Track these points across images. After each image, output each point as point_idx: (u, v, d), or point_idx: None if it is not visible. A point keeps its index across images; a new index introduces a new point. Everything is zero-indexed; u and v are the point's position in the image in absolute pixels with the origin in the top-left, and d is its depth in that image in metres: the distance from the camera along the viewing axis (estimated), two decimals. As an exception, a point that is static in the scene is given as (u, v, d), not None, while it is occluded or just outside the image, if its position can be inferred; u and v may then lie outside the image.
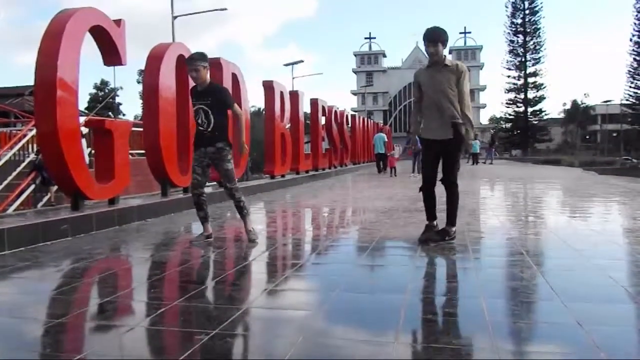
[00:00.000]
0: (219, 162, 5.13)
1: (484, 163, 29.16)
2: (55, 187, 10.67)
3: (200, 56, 5.06)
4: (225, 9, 27.20)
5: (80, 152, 6.34)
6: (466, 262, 4.32)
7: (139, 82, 60.48)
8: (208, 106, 5.02)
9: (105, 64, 7.13)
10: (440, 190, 5.00)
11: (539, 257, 4.44)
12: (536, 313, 2.99)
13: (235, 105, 5.19)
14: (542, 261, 4.32)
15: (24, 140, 12.80)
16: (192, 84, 8.34)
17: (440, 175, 4.89)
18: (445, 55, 4.71)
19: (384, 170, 19.87)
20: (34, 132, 12.03)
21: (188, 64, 5.04)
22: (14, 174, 12.18)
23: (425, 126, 4.88)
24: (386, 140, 20.17)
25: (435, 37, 4.63)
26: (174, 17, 21.90)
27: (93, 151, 9.69)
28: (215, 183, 9.48)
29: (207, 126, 5.04)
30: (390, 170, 18.11)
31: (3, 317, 3.05)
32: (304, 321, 2.85)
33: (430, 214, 5.03)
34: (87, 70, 7.04)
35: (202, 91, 5.07)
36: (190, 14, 26.43)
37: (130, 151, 8.62)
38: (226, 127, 5.18)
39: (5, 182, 11.92)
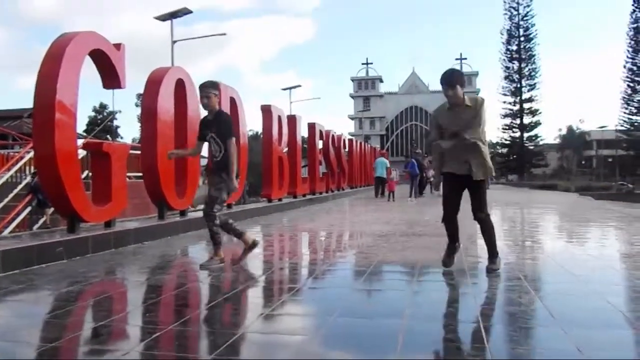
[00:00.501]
0: (210, 186, 5.19)
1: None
2: (51, 210, 10.64)
3: (212, 84, 5.18)
4: (224, 34, 27.47)
5: (77, 175, 6.33)
6: (464, 287, 4.29)
7: (137, 106, 60.75)
8: (216, 134, 5.12)
9: (104, 87, 7.17)
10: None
11: (537, 282, 4.43)
12: (535, 339, 2.97)
13: (232, 140, 5.14)
14: (540, 286, 4.30)
15: (21, 163, 12.79)
16: (191, 107, 8.47)
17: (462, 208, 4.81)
18: (464, 95, 4.61)
19: (381, 195, 19.86)
20: (31, 154, 12.03)
21: (200, 90, 5.16)
22: (11, 195, 12.14)
23: (447, 161, 4.73)
24: (388, 165, 20.21)
25: (452, 80, 4.56)
26: (174, 42, 22.07)
27: (90, 174, 9.69)
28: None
29: (218, 154, 5.12)
30: (389, 195, 18.11)
31: (-4, 340, 3.01)
32: (301, 346, 2.82)
33: (453, 238, 4.83)
34: (86, 93, 7.09)
35: (211, 120, 5.17)
36: (190, 38, 26.64)
37: (128, 174, 8.62)
38: (230, 157, 5.19)
39: (2, 204, 11.88)
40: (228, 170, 5.12)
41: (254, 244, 5.31)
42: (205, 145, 5.37)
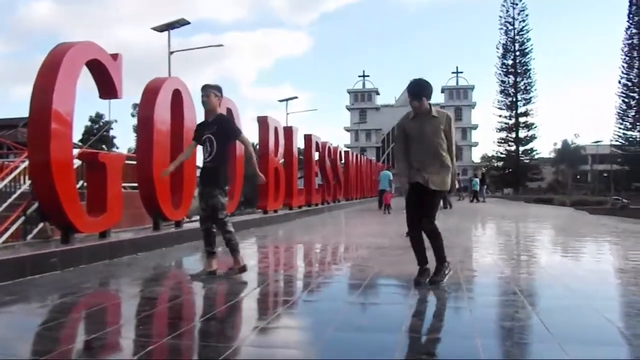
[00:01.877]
0: (209, 197, 5.16)
1: (478, 201, 29.36)
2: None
3: (215, 85, 5.30)
4: (221, 45, 27.60)
5: (72, 185, 6.29)
6: (460, 302, 4.27)
7: (133, 116, 60.70)
8: (213, 134, 5.11)
9: (101, 97, 7.15)
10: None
11: (533, 297, 4.41)
12: (532, 354, 2.95)
13: (243, 134, 5.31)
14: (536, 301, 4.28)
15: (15, 172, 12.71)
16: (188, 118, 8.47)
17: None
18: (430, 106, 4.68)
19: (390, 208, 19.68)
20: (26, 163, 11.98)
21: (202, 89, 5.22)
22: (4, 205, 12.05)
23: (411, 171, 4.76)
24: (391, 178, 20.18)
25: (418, 91, 4.65)
26: (171, 53, 22.13)
27: (85, 184, 9.64)
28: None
29: (208, 155, 5.11)
30: (385, 208, 18.09)
31: (-13, 353, 2.98)
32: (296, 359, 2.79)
33: (421, 258, 4.83)
34: (82, 102, 7.07)
35: (210, 122, 5.22)
36: (187, 49, 26.73)
37: (123, 184, 8.58)
38: (225, 161, 5.23)
39: (-5, 214, 11.79)
40: (218, 177, 5.13)
41: (212, 272, 5.24)
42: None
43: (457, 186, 4.78)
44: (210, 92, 5.19)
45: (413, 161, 4.75)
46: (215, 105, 5.22)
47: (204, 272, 5.22)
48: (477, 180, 30.59)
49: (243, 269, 5.23)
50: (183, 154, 5.98)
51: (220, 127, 5.15)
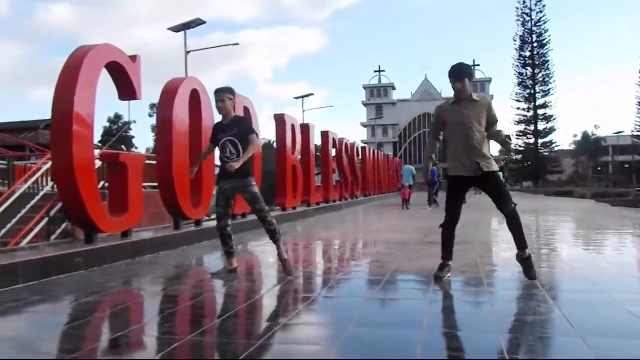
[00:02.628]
0: (245, 187, 5.19)
1: None
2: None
3: (227, 89, 5.30)
4: (237, 44, 27.66)
5: (94, 186, 6.39)
6: (481, 296, 4.26)
7: (151, 116, 61.29)
8: (235, 137, 5.14)
9: (120, 99, 7.25)
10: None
11: (555, 291, 4.39)
12: (555, 349, 2.94)
13: (254, 135, 5.25)
14: (558, 295, 4.26)
15: (38, 174, 12.93)
16: (206, 118, 8.53)
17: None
18: (470, 91, 4.62)
19: (409, 203, 19.59)
20: (48, 165, 12.17)
21: (215, 94, 5.25)
22: (28, 207, 12.27)
23: (453, 163, 4.68)
24: (414, 173, 20.10)
25: (461, 73, 4.57)
26: (187, 52, 22.28)
27: (106, 184, 9.77)
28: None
29: (237, 157, 5.11)
30: (403, 203, 18.04)
31: (16, 351, 3.05)
32: (319, 356, 2.81)
33: (447, 252, 4.79)
34: (101, 103, 7.21)
35: (227, 124, 5.23)
36: (203, 49, 26.86)
37: (143, 184, 8.68)
38: (251, 160, 5.27)
39: (20, 215, 12.01)
40: (248, 170, 5.18)
41: (232, 271, 5.28)
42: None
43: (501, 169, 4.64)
44: (225, 96, 5.21)
45: (454, 150, 4.66)
46: (230, 109, 5.24)
47: (225, 271, 5.27)
48: (500, 173, 30.24)
49: (285, 263, 5.22)
50: (203, 153, 6.03)
51: (239, 129, 5.18)
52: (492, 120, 4.65)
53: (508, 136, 4.63)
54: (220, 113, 5.28)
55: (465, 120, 4.57)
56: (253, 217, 5.54)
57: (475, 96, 4.63)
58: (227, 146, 5.16)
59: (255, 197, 5.21)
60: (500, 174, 4.67)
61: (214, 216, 12.06)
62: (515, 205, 4.66)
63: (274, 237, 5.30)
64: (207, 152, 5.87)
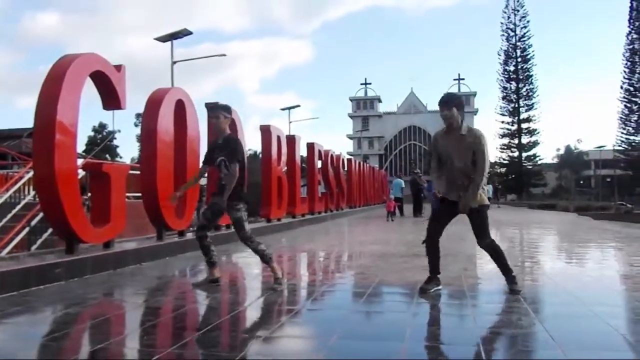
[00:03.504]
0: (231, 210, 5.08)
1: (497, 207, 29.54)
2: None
3: (223, 106, 5.27)
4: (224, 55, 27.61)
5: (76, 196, 6.32)
6: (464, 309, 4.28)
7: (136, 125, 61.04)
8: (227, 156, 5.06)
9: (104, 108, 7.19)
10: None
11: (537, 304, 4.42)
12: (536, 362, 2.96)
13: (236, 165, 5.05)
14: (540, 308, 4.29)
15: (20, 183, 12.77)
16: (191, 128, 8.51)
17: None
18: (462, 121, 4.62)
19: (400, 214, 19.63)
20: (31, 174, 12.03)
21: (210, 110, 5.16)
22: (9, 216, 12.10)
23: (446, 187, 4.74)
24: (403, 185, 20.26)
25: (448, 101, 4.60)
26: (174, 63, 22.22)
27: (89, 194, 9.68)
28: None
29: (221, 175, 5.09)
30: (388, 215, 18.10)
31: (-7, 364, 2.99)
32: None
33: (433, 266, 4.81)
34: (85, 112, 7.15)
35: (221, 143, 5.14)
36: (190, 59, 26.83)
37: (127, 194, 8.61)
38: (243, 178, 5.16)
39: (0, 225, 11.84)
40: (241, 191, 5.11)
41: (214, 281, 5.22)
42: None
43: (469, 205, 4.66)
44: (220, 113, 5.15)
45: (445, 176, 4.74)
46: (225, 127, 5.19)
47: (206, 281, 5.23)
48: (490, 187, 30.66)
49: (277, 281, 5.09)
50: (193, 177, 5.91)
51: (228, 150, 5.07)
52: (477, 156, 4.57)
53: (482, 195, 4.63)
54: (213, 129, 5.15)
55: (452, 155, 4.63)
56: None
57: (464, 129, 4.60)
58: (222, 166, 5.07)
59: (238, 224, 5.07)
60: (486, 204, 4.68)
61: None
62: (492, 240, 4.74)
63: (264, 259, 5.18)
64: (202, 173, 5.75)
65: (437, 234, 4.78)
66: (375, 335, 3.53)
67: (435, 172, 4.87)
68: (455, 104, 4.59)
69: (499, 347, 3.18)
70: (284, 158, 14.08)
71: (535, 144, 62.36)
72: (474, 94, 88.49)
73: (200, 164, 5.57)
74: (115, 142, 57.48)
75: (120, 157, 56.92)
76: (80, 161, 9.87)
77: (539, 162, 64.54)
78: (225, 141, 5.16)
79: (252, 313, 4.36)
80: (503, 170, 65.08)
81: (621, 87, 59.38)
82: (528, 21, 61.87)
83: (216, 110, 5.18)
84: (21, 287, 5.00)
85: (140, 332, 3.67)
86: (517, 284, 4.69)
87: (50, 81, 6.03)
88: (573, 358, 2.83)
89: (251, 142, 77.41)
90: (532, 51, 61.95)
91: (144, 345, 3.34)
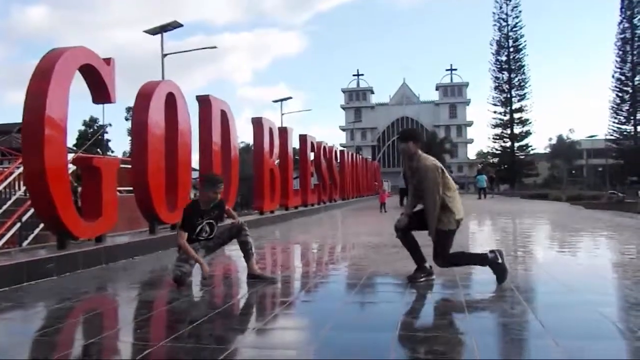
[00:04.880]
0: (216, 238, 5.28)
1: (484, 198, 29.67)
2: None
3: (222, 180, 5.36)
4: (215, 47, 27.45)
5: (67, 191, 6.29)
6: (456, 299, 4.29)
7: (127, 119, 60.68)
8: (215, 219, 5.22)
9: (94, 102, 7.13)
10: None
11: (529, 293, 4.44)
12: (527, 350, 2.98)
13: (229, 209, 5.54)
14: (532, 297, 4.31)
15: (10, 178, 12.70)
16: (182, 120, 8.47)
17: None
18: (418, 155, 4.80)
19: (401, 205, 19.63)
20: (21, 169, 11.96)
21: (213, 185, 5.16)
22: (0, 211, 12.05)
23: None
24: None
25: (403, 134, 4.94)
26: (164, 55, 22.08)
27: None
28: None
29: (209, 235, 5.21)
30: (381, 206, 18.13)
31: (-16, 360, 2.98)
32: (293, 361, 2.81)
33: (416, 258, 4.91)
34: (76, 106, 7.07)
35: (207, 210, 5.16)
36: (180, 52, 26.69)
37: (118, 188, 8.58)
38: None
39: (-9, 220, 11.77)
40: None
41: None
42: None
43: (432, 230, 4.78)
44: (220, 189, 5.24)
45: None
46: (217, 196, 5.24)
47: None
48: (484, 176, 30.92)
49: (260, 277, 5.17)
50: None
51: (219, 213, 5.28)
52: (423, 186, 4.73)
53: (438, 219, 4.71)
54: (210, 201, 5.15)
55: (411, 182, 4.96)
56: (229, 221, 5.50)
57: (420, 161, 4.76)
58: (204, 228, 5.16)
59: (239, 227, 5.26)
60: (446, 230, 4.79)
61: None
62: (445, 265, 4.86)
63: (247, 245, 5.23)
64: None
65: (404, 226, 4.88)
66: (368, 326, 3.54)
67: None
68: (411, 137, 4.87)
69: (491, 336, 3.19)
70: (276, 150, 14.07)
71: (527, 134, 62.50)
72: (467, 85, 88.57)
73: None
74: (106, 136, 57.18)
75: (112, 152, 56.61)
76: (70, 156, 9.82)
77: (532, 152, 64.70)
78: (217, 206, 5.25)
79: (245, 305, 4.37)
80: (495, 160, 65.25)
81: (613, 77, 59.67)
82: (520, 11, 61.82)
83: (220, 186, 5.22)
84: (13, 283, 4.98)
85: (132, 326, 3.66)
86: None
87: (39, 75, 5.98)
88: (564, 346, 2.85)
89: (243, 135, 77.18)
90: (524, 41, 61.95)
91: (136, 339, 3.34)
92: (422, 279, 4.77)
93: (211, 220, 5.19)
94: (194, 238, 5.13)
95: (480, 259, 4.80)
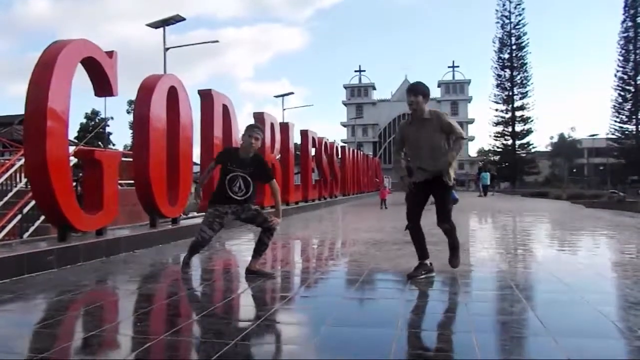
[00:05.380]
0: (245, 210, 5.18)
1: (485, 195, 29.72)
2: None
3: (262, 128, 5.28)
4: (217, 42, 27.40)
5: (69, 183, 6.29)
6: (456, 296, 4.30)
7: (128, 112, 60.63)
8: (251, 176, 5.05)
9: (96, 95, 7.13)
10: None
11: (529, 291, 4.44)
12: (527, 349, 2.98)
13: (274, 180, 5.29)
14: (531, 295, 4.31)
15: (11, 170, 12.70)
16: (183, 115, 8.46)
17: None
18: (424, 108, 4.79)
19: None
20: (22, 161, 11.95)
21: (250, 129, 5.06)
22: (1, 203, 12.05)
23: (414, 171, 4.95)
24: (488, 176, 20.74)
25: (414, 87, 4.81)
26: (166, 49, 22.06)
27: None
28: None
29: (243, 194, 5.08)
30: (382, 203, 18.12)
31: (-15, 351, 2.99)
32: (294, 356, 2.81)
33: (421, 252, 4.93)
34: (77, 99, 7.08)
35: (244, 159, 5.05)
36: (182, 45, 26.65)
37: (119, 181, 8.59)
38: (255, 192, 5.27)
39: (-8, 212, 11.77)
40: (253, 199, 5.24)
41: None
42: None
43: (451, 182, 4.85)
44: (259, 135, 5.10)
45: (413, 164, 4.96)
46: (258, 147, 5.14)
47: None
48: (488, 174, 30.99)
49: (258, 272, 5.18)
50: (205, 175, 5.82)
51: (257, 170, 5.09)
52: (446, 130, 4.79)
53: (457, 141, 4.81)
54: (249, 149, 5.05)
55: (419, 140, 4.85)
56: (230, 215, 5.48)
57: (427, 113, 4.81)
58: (238, 181, 5.02)
59: (263, 218, 5.21)
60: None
61: (191, 214, 11.95)
62: (452, 227, 4.98)
63: (260, 248, 5.20)
64: (211, 169, 5.60)
65: (417, 217, 4.95)
66: (368, 322, 3.54)
67: (401, 160, 5.18)
68: (421, 92, 4.78)
69: (490, 334, 3.20)
70: (277, 145, 14.06)
71: (529, 132, 62.47)
72: (469, 82, 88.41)
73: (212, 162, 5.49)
74: (107, 129, 57.09)
75: (114, 145, 56.60)
76: (72, 148, 9.83)
77: (533, 150, 64.65)
78: (252, 160, 5.09)
79: (245, 300, 4.37)
80: (497, 158, 65.20)
81: (615, 75, 59.67)
82: (523, 8, 61.84)
83: (257, 132, 5.10)
84: (13, 275, 4.98)
85: (133, 319, 3.67)
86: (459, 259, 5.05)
87: (41, 68, 5.97)
88: (564, 344, 2.85)
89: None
90: (527, 39, 61.92)
91: (136, 332, 3.35)
92: (422, 276, 4.78)
93: (246, 176, 5.03)
94: (228, 195, 5.04)
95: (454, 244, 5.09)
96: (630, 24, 58.24)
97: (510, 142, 62.78)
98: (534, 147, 64.66)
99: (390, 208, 17.11)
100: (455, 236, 5.01)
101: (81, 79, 6.76)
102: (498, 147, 64.45)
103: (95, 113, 60.99)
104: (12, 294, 4.41)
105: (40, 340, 3.26)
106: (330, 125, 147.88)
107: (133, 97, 8.43)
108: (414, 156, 4.93)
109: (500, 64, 62.47)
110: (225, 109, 10.42)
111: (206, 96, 10.01)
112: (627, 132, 59.53)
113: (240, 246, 7.81)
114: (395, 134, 5.35)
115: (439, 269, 5.07)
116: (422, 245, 4.93)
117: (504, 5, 61.68)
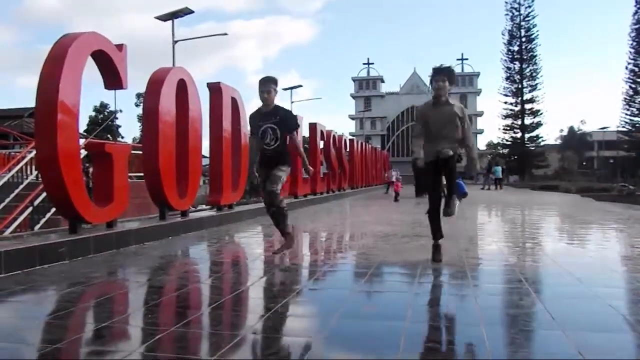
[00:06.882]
0: (273, 170, 5.34)
1: (497, 189, 29.74)
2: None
3: (274, 79, 5.40)
4: (226, 34, 27.43)
5: (79, 176, 6.33)
6: (465, 289, 4.29)
7: (137, 105, 60.88)
8: (276, 124, 5.30)
9: (106, 88, 7.16)
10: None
11: (538, 285, 4.44)
12: (536, 342, 2.97)
13: (296, 133, 5.53)
14: (541, 288, 4.31)
15: (22, 162, 12.80)
16: (193, 108, 8.48)
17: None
18: (449, 93, 5.06)
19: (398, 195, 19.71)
20: (32, 154, 12.05)
21: (262, 84, 5.32)
22: (12, 195, 12.15)
23: (428, 154, 5.11)
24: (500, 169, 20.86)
25: (445, 70, 5.02)
26: (175, 42, 22.09)
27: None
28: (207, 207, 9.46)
29: (274, 142, 5.31)
30: (396, 195, 18.14)
31: (-2, 341, 3.02)
32: (304, 348, 2.82)
33: (437, 232, 5.22)
34: (87, 92, 7.14)
35: (267, 112, 5.35)
36: (191, 38, 26.67)
37: (129, 174, 8.62)
38: (287, 146, 5.45)
39: (3, 204, 11.89)
40: (285, 159, 5.38)
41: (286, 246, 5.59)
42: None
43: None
44: (271, 87, 5.33)
45: (430, 142, 5.12)
46: (274, 98, 5.38)
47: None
48: (499, 167, 31.05)
49: (286, 246, 5.55)
50: (253, 150, 5.77)
51: (282, 118, 5.33)
52: (463, 125, 5.08)
53: (461, 156, 5.20)
54: (264, 103, 5.36)
55: (439, 124, 5.06)
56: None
57: (451, 100, 5.10)
58: (268, 132, 5.30)
59: (274, 179, 5.30)
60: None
61: (200, 207, 11.99)
62: (458, 199, 5.37)
63: (274, 218, 5.50)
64: (256, 143, 5.54)
65: (439, 199, 5.19)
66: (377, 314, 3.55)
67: (421, 141, 5.25)
68: (449, 77, 5.01)
69: (499, 327, 3.20)
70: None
71: (538, 125, 62.02)
72: (478, 74, 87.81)
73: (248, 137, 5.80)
74: (116, 122, 57.29)
75: (122, 137, 56.77)
76: (82, 141, 9.88)
77: (542, 143, 64.21)
78: (275, 111, 5.34)
79: (254, 292, 4.39)
80: (506, 151, 64.85)
81: (626, 68, 59.03)
82: (532, 0, 61.31)
83: (268, 85, 5.32)
84: (25, 267, 5.03)
85: (143, 311, 3.70)
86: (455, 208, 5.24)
87: (52, 61, 6.00)
88: (573, 337, 2.85)
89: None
90: (537, 31, 61.42)
91: (147, 324, 3.37)
92: (441, 257, 5.13)
93: (274, 125, 5.29)
94: (263, 146, 5.34)
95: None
96: (641, 15, 57.55)
97: (519, 135, 62.39)
98: (543, 140, 64.24)
99: (401, 201, 17.10)
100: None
101: (90, 72, 6.79)
102: (507, 140, 64.09)
103: (104, 106, 61.26)
104: (24, 285, 4.46)
105: (51, 331, 3.29)
106: (338, 118, 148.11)
107: (141, 90, 8.47)
108: (433, 137, 5.09)
109: (510, 56, 62.02)
110: (234, 102, 10.42)
111: (215, 89, 10.01)
112: (637, 125, 58.95)
113: (249, 239, 7.84)
114: (416, 117, 5.52)
115: (447, 263, 5.07)
116: (439, 224, 5.20)
117: (513, -3, 61.11)
